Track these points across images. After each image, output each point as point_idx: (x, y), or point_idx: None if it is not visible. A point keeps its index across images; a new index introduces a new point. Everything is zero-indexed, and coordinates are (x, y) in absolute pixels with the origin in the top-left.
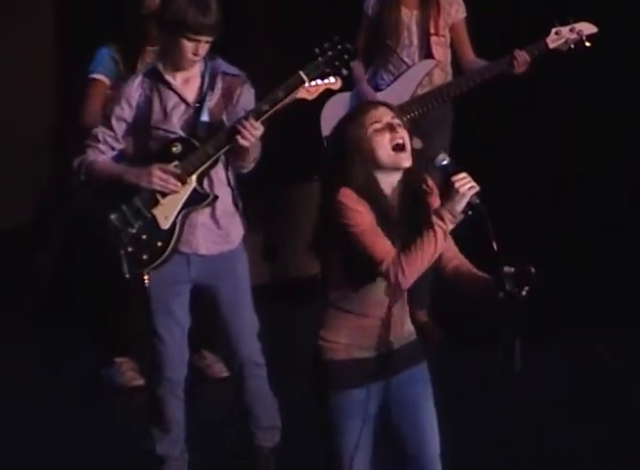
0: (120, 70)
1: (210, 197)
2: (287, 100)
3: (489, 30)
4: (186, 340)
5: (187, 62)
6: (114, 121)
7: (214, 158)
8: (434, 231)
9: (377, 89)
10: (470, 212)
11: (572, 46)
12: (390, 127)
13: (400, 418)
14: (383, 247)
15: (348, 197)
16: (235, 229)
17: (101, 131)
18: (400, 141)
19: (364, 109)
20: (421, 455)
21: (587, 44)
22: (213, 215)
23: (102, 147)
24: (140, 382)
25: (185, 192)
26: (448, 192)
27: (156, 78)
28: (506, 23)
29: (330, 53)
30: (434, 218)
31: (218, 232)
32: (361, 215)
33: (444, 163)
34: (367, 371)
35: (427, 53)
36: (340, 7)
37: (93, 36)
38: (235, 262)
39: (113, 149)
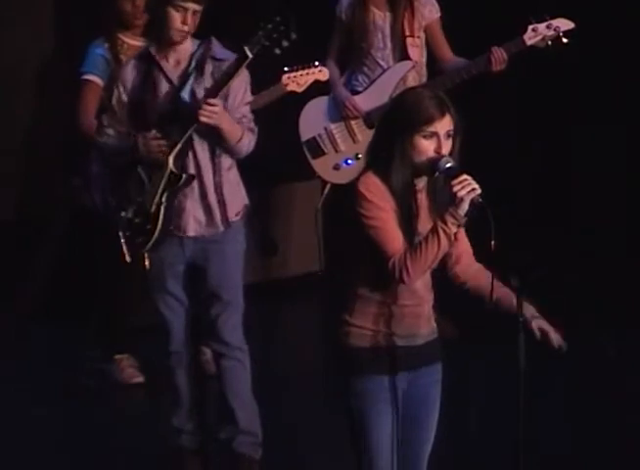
0: (111, 67)
1: (184, 177)
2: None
3: (466, 29)
4: (188, 316)
5: (176, 33)
6: (114, 105)
7: (183, 140)
8: (438, 234)
9: (353, 92)
10: (474, 213)
11: (550, 43)
12: (440, 140)
13: (407, 414)
14: (393, 244)
15: (370, 186)
16: (219, 214)
17: (106, 116)
18: (438, 156)
19: (432, 109)
20: (413, 454)
21: (564, 40)
22: (202, 197)
23: (109, 131)
24: (140, 379)
25: (164, 174)
26: (451, 196)
27: (148, 60)
28: (483, 21)
29: (269, 26)
30: (438, 222)
31: (209, 214)
32: (378, 209)
33: (448, 166)
34: (394, 360)
35: (402, 55)
36: (313, 11)
37: (93, 34)
38: (225, 244)
39: (119, 132)
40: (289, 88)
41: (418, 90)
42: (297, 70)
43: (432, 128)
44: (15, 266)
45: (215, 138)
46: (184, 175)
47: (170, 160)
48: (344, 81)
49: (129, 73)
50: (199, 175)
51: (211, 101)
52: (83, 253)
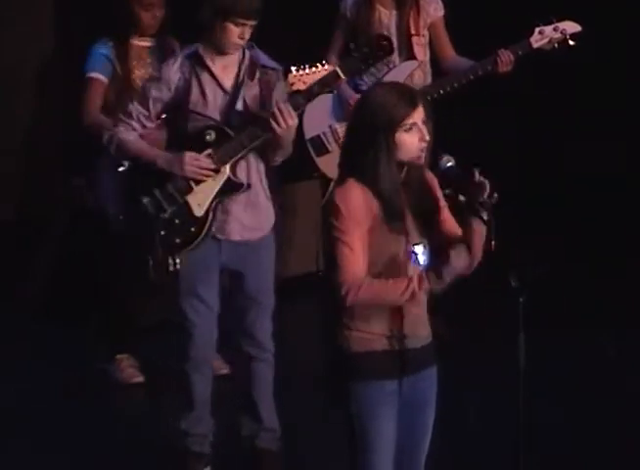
0: (115, 67)
1: (244, 186)
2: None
3: (472, 31)
4: (214, 321)
5: (232, 46)
6: (150, 102)
7: (249, 148)
8: (407, 289)
9: (357, 90)
10: (481, 216)
11: (556, 45)
12: (421, 130)
13: (406, 417)
14: (354, 266)
15: (348, 200)
16: (266, 217)
17: (135, 109)
18: (425, 145)
19: (406, 102)
20: (411, 457)
21: (571, 43)
22: (248, 203)
23: (134, 124)
24: (140, 379)
25: (219, 181)
26: (466, 205)
27: (196, 62)
28: (489, 23)
29: (365, 49)
30: (414, 280)
31: (251, 219)
32: (351, 227)
33: (449, 165)
34: (395, 364)
35: (408, 53)
36: (318, 8)
37: (93, 34)
38: (262, 250)
39: (144, 127)
40: (295, 87)
41: (382, 88)
42: (304, 69)
43: (410, 120)
44: (15, 266)
45: (268, 147)
46: (244, 184)
47: (228, 167)
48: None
49: (174, 74)
50: (248, 180)
51: (292, 112)
52: (83, 253)
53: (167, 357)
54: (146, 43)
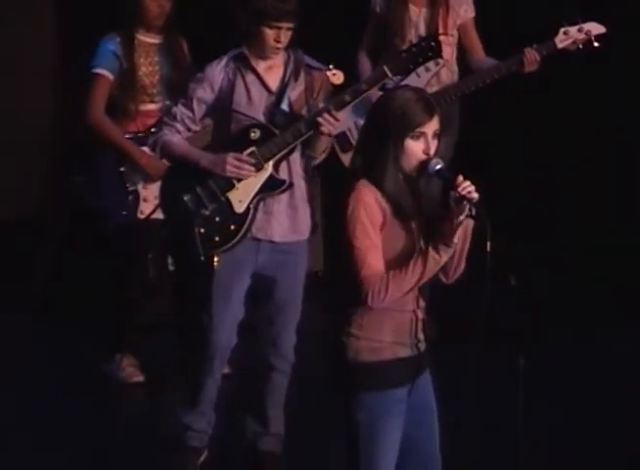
0: (122, 63)
1: (286, 183)
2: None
3: (498, 31)
4: (235, 327)
5: (270, 49)
6: (194, 103)
7: (292, 146)
8: (426, 261)
9: (382, 88)
10: (472, 214)
11: (581, 46)
12: (428, 141)
13: (416, 420)
14: (371, 266)
15: (363, 205)
16: (305, 221)
17: (180, 111)
18: (427, 157)
19: (421, 112)
20: (428, 457)
21: (596, 44)
22: (291, 203)
23: (179, 126)
24: (140, 378)
25: (261, 177)
26: (454, 202)
27: (241, 63)
28: (514, 23)
29: (414, 49)
30: (430, 250)
31: (294, 220)
32: (365, 230)
33: (438, 167)
34: (407, 370)
35: None
36: (351, 4)
37: (93, 34)
38: (297, 256)
39: (188, 130)
40: None
41: (403, 93)
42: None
43: (422, 129)
44: (15, 266)
45: (309, 146)
46: (286, 182)
47: (270, 164)
48: None
49: (218, 74)
50: (290, 180)
51: (337, 114)
52: (83, 253)
53: (167, 357)
54: (153, 40)
